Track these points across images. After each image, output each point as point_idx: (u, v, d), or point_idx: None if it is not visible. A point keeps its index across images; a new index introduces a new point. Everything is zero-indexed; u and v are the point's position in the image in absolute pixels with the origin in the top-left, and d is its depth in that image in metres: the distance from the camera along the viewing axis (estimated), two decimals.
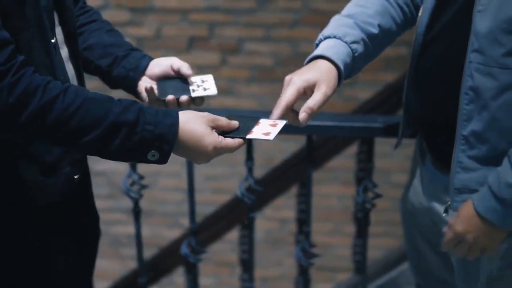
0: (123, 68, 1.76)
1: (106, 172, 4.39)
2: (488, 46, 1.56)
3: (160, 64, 1.77)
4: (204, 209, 4.26)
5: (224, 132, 1.49)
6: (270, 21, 3.98)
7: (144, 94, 1.73)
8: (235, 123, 1.50)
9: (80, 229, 1.75)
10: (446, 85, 1.68)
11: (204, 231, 3.65)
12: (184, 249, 2.42)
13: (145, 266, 2.48)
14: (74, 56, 1.65)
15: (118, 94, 1.86)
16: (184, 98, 1.68)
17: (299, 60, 3.98)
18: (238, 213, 3.42)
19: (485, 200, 1.60)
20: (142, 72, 1.76)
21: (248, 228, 2.40)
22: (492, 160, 1.62)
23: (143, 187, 2.36)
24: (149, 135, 1.39)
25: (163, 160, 1.43)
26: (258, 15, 3.98)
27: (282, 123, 1.55)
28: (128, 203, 4.42)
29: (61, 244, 1.67)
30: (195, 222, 2.40)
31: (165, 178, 4.41)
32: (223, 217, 3.65)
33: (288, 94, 1.57)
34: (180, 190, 4.42)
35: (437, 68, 1.72)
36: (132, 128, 1.38)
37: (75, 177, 1.63)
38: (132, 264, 4.20)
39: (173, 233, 4.05)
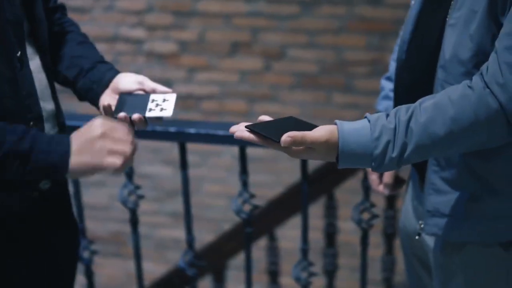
0: (88, 80, 1.72)
1: (151, 175, 4.39)
2: (451, 63, 1.47)
3: (126, 79, 1.71)
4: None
5: (117, 112, 1.61)
6: (314, 27, 3.89)
7: (101, 109, 1.68)
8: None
9: (48, 245, 1.71)
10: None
11: (238, 237, 3.60)
12: (181, 263, 2.37)
13: (143, 279, 2.44)
14: (46, 67, 1.64)
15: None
16: (136, 116, 1.61)
17: (343, 67, 3.94)
18: (267, 221, 3.36)
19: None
20: (105, 85, 1.71)
21: (246, 244, 2.33)
22: (462, 183, 1.53)
23: (140, 197, 2.32)
24: (41, 164, 1.38)
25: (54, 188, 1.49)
26: (302, 21, 3.90)
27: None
28: (174, 207, 4.46)
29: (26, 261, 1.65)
30: (192, 234, 2.35)
31: (210, 183, 4.38)
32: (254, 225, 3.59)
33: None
34: (225, 196, 4.38)
35: (415, 80, 1.64)
36: (26, 159, 1.37)
37: (35, 193, 1.60)
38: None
39: (213, 238, 4.01)
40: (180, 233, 4.70)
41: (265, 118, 1.46)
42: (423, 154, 1.41)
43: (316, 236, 4.12)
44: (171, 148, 4.40)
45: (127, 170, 2.31)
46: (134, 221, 2.37)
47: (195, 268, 2.37)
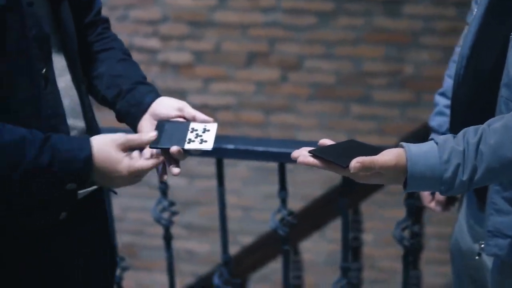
0: (127, 102, 1.63)
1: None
2: None
3: (166, 105, 1.62)
4: (265, 228, 4.18)
5: (155, 144, 1.51)
6: (332, 38, 3.87)
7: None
8: (149, 136, 1.51)
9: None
10: (483, 118, 1.54)
11: (260, 250, 3.58)
12: (216, 280, 2.34)
13: None
14: (78, 83, 1.58)
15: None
16: (174, 149, 1.50)
17: (361, 78, 3.92)
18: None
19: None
20: (144, 110, 1.62)
21: (284, 260, 2.29)
22: None
23: (174, 213, 2.29)
24: (64, 174, 1.42)
25: (81, 188, 1.48)
26: (319, 32, 3.88)
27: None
28: (188, 218, 4.42)
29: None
30: (228, 253, 2.32)
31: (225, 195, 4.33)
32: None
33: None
34: (240, 207, 4.35)
35: (473, 97, 1.61)
36: (48, 171, 1.40)
37: (63, 213, 1.51)
38: (190, 280, 4.16)
39: (231, 251, 3.96)
40: (193, 245, 4.67)
41: (326, 142, 1.42)
42: (493, 177, 1.38)
43: (336, 248, 4.10)
44: (186, 159, 4.37)
45: (161, 186, 2.28)
46: (168, 238, 2.35)
47: (230, 286, 2.35)
